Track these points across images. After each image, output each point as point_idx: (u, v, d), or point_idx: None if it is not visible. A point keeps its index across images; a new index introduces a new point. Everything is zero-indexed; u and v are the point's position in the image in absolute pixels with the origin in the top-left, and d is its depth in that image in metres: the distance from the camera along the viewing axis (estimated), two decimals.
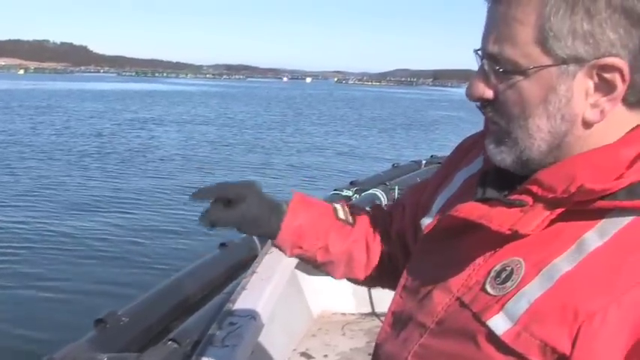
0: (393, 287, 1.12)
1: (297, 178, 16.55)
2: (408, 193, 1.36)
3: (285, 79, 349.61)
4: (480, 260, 0.88)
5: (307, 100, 72.84)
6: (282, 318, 3.22)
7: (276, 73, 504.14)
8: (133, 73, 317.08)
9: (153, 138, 24.99)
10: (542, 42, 0.79)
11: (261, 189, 1.26)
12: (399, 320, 1.03)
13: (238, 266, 7.66)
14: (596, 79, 0.79)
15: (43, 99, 48.94)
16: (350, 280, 1.38)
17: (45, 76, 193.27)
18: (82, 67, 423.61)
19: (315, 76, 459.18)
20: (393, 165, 16.25)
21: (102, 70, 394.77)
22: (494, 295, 0.83)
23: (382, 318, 3.87)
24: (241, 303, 2.89)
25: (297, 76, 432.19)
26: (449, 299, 0.90)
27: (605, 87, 0.79)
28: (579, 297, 0.75)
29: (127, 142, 23.13)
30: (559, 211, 0.81)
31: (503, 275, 0.83)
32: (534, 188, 0.84)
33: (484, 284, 0.85)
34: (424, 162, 17.00)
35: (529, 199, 0.85)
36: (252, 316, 2.77)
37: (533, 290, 0.79)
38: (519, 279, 0.81)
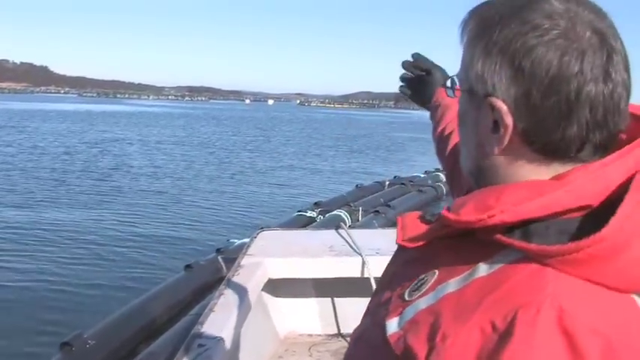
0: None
1: (261, 200, 16.54)
2: None
3: (247, 101, 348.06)
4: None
5: (272, 122, 72.89)
6: (250, 340, 3.26)
7: (238, 95, 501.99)
8: (95, 94, 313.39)
9: (119, 160, 24.73)
10: (463, 69, 0.91)
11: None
12: (365, 312, 1.10)
13: (204, 288, 7.70)
14: (491, 116, 0.85)
15: (3, 120, 48.02)
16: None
17: (4, 96, 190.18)
18: (43, 88, 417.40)
19: (277, 98, 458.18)
20: (357, 186, 16.38)
21: (63, 91, 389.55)
22: (405, 300, 0.90)
23: (348, 338, 3.94)
24: (209, 325, 2.91)
25: (259, 98, 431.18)
26: (388, 296, 0.97)
27: (494, 126, 0.85)
28: (445, 318, 0.80)
29: (89, 163, 22.84)
30: (442, 233, 0.89)
31: (419, 284, 0.90)
32: (444, 207, 0.88)
33: (406, 288, 0.92)
34: (387, 182, 17.17)
35: (435, 217, 0.93)
36: (220, 338, 2.81)
37: (422, 303, 0.86)
38: (424, 290, 0.88)
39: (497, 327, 0.74)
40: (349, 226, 10.65)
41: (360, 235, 4.04)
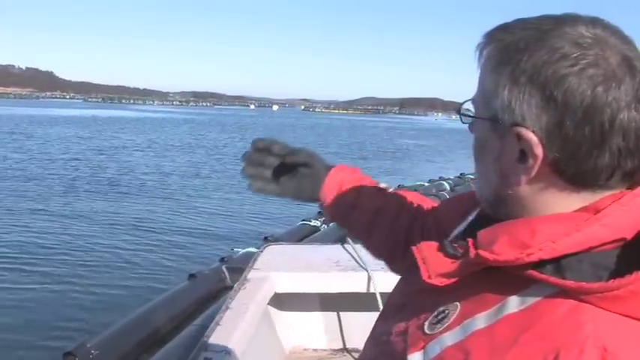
0: (397, 269, 1.28)
1: (265, 209, 16.52)
2: (445, 202, 1.39)
3: (252, 106, 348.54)
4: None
5: (277, 128, 72.89)
6: (256, 354, 3.27)
7: (243, 100, 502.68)
8: (100, 100, 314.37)
9: (124, 166, 24.72)
10: (483, 96, 0.87)
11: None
12: (370, 336, 1.09)
13: (208, 297, 7.70)
14: (517, 146, 0.83)
15: (10, 126, 48.04)
16: (370, 248, 1.45)
17: (9, 101, 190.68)
18: (48, 93, 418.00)
19: (281, 103, 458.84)
20: None
21: (68, 96, 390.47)
22: (426, 334, 0.87)
23: (353, 354, 3.96)
24: (215, 338, 2.93)
25: (264, 103, 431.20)
26: (403, 327, 0.94)
27: (521, 156, 0.83)
28: (475, 357, 0.78)
29: (95, 170, 22.85)
30: (475, 269, 0.85)
31: (440, 317, 0.87)
32: (470, 242, 0.85)
33: (425, 320, 0.90)
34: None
35: (462, 251, 0.88)
36: (226, 351, 2.82)
37: (448, 338, 0.84)
38: (447, 324, 0.85)
39: None
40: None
41: (367, 251, 4.03)
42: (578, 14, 0.83)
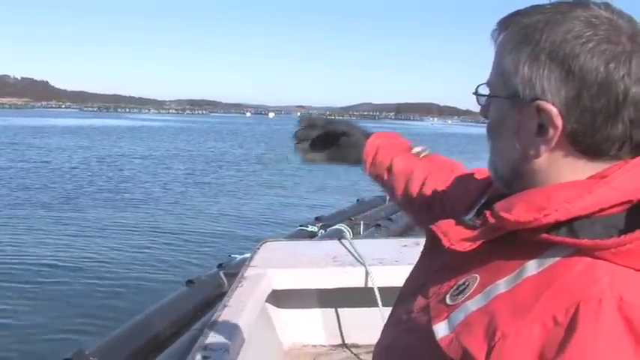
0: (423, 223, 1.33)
1: (262, 215, 16.53)
2: (465, 176, 1.43)
3: (248, 114, 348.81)
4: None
5: (274, 136, 72.80)
6: (254, 351, 3.26)
7: (239, 108, 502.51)
8: (96, 109, 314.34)
9: (123, 174, 24.85)
10: (502, 75, 0.93)
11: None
12: (389, 321, 1.13)
13: (206, 303, 7.67)
14: (536, 119, 0.89)
15: (8, 137, 47.89)
16: (401, 208, 1.59)
17: (5, 111, 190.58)
18: (44, 103, 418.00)
19: (278, 110, 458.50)
20: (358, 200, 16.34)
21: (64, 106, 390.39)
22: (449, 305, 0.92)
23: (352, 349, 3.95)
24: (213, 337, 2.92)
25: (260, 111, 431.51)
26: (424, 302, 0.99)
27: (541, 129, 0.89)
28: (501, 318, 0.82)
29: (97, 178, 22.92)
30: (495, 235, 0.91)
31: (461, 288, 0.92)
32: (487, 212, 0.91)
33: (446, 294, 0.95)
34: (388, 197, 17.07)
35: (480, 222, 0.94)
36: (224, 350, 2.81)
37: (472, 305, 0.88)
38: (469, 293, 0.90)
39: (560, 321, 0.77)
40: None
41: (364, 246, 4.03)
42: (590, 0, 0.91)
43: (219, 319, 3.11)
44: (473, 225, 0.95)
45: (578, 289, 0.79)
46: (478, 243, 0.92)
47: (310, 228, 12.00)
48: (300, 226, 12.35)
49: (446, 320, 0.90)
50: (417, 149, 1.54)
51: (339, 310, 4.04)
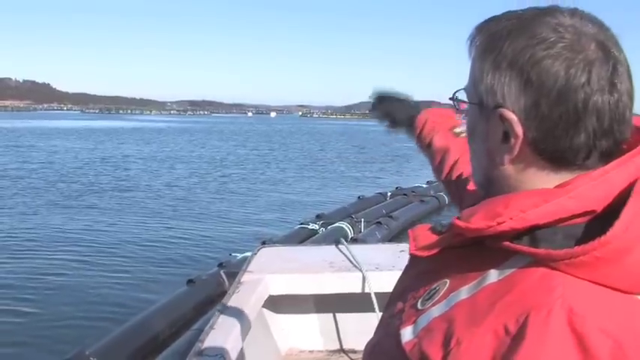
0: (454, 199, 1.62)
1: (263, 213, 16.52)
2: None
3: (249, 114, 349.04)
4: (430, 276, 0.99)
5: (276, 135, 72.93)
6: (251, 357, 3.25)
7: (240, 108, 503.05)
8: (97, 110, 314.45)
9: (126, 175, 24.81)
10: (473, 82, 0.93)
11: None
12: (378, 324, 1.13)
13: (206, 302, 7.68)
14: (501, 127, 0.88)
15: (11, 139, 47.84)
16: (438, 175, 1.76)
17: (7, 114, 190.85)
18: (45, 105, 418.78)
19: (279, 110, 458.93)
20: (359, 197, 16.35)
21: (65, 108, 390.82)
22: (418, 310, 0.92)
23: (350, 354, 3.94)
24: (210, 342, 2.91)
25: (261, 110, 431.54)
26: (401, 306, 1.00)
27: (505, 137, 0.88)
28: (458, 324, 0.82)
29: (98, 178, 22.90)
30: (456, 242, 0.92)
31: (431, 293, 0.93)
32: (454, 218, 0.91)
33: (420, 298, 0.95)
34: (389, 194, 17.14)
35: (446, 228, 0.95)
36: (220, 355, 2.80)
37: (436, 310, 0.88)
38: (436, 299, 0.91)
39: (510, 330, 0.76)
40: (351, 238, 10.64)
41: (360, 251, 4.03)
42: (559, 6, 0.89)
43: (216, 325, 3.10)
44: (440, 230, 0.96)
45: (530, 299, 0.78)
46: (437, 250, 0.95)
47: (311, 226, 12.03)
48: (301, 223, 12.36)
49: (412, 325, 0.91)
50: (458, 129, 1.65)
51: (336, 315, 4.03)
